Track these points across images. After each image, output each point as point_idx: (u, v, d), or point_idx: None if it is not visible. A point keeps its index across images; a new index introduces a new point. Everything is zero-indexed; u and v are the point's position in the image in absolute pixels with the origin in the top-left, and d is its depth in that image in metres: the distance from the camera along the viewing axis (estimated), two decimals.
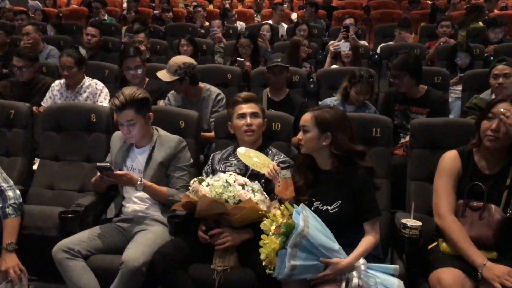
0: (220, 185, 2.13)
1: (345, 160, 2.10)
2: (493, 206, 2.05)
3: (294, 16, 7.60)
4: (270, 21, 6.81)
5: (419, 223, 2.10)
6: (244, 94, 2.55)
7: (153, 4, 8.81)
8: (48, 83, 3.91)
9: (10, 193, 2.45)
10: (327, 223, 2.02)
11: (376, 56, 5.00)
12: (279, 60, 3.53)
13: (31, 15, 7.60)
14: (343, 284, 1.94)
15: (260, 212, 2.08)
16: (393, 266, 2.02)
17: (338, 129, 2.10)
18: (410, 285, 2.12)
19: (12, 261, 2.29)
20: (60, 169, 2.88)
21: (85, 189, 2.78)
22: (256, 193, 2.17)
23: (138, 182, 2.36)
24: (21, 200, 2.47)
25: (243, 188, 2.16)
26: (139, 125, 2.44)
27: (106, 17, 7.58)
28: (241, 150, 2.37)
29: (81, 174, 2.83)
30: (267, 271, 1.96)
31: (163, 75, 3.36)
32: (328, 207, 2.09)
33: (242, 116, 2.46)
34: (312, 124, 2.12)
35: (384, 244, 2.39)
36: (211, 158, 2.57)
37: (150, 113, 2.51)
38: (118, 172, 2.35)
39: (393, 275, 1.99)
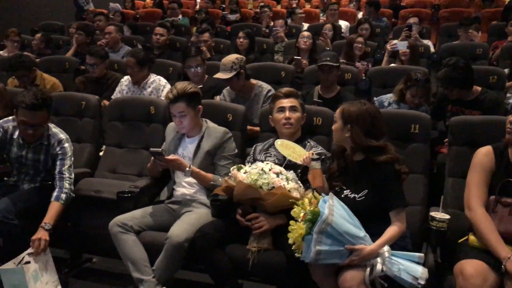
0: (256, 172, 2.31)
1: (369, 152, 2.20)
2: None
3: (360, 15, 7.61)
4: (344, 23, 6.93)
5: (447, 216, 2.16)
6: (284, 89, 2.71)
7: (223, 6, 9.15)
8: (118, 78, 4.29)
9: (67, 184, 2.77)
10: (354, 211, 2.13)
11: (436, 56, 4.94)
12: (328, 58, 3.64)
13: (110, 16, 8.21)
14: (368, 270, 2.04)
15: (290, 200, 2.24)
16: (417, 254, 2.08)
17: (356, 123, 2.20)
18: (439, 277, 2.18)
19: (43, 236, 2.56)
20: (122, 155, 3.20)
21: (142, 173, 3.07)
22: (290, 181, 2.33)
23: (187, 168, 2.60)
24: (73, 195, 2.79)
25: (278, 176, 2.32)
26: (189, 116, 2.68)
27: (180, 17, 8.03)
28: (278, 142, 2.54)
29: (140, 160, 3.14)
30: (296, 254, 2.11)
31: (220, 75, 3.59)
32: (356, 195, 2.21)
33: (282, 109, 2.62)
34: (339, 116, 2.26)
35: (418, 238, 2.45)
36: (253, 149, 2.75)
37: (200, 106, 2.73)
38: (169, 157, 2.60)
39: (418, 263, 2.07)
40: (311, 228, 2.04)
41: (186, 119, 2.68)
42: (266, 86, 3.64)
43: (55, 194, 2.73)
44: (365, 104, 2.31)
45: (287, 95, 2.65)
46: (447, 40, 5.92)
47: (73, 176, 2.82)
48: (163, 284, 2.43)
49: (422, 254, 2.08)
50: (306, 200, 2.14)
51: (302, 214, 2.11)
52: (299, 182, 2.39)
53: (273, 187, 2.27)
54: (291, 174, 2.38)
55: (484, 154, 2.22)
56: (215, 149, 2.70)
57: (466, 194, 2.21)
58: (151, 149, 2.61)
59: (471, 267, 1.96)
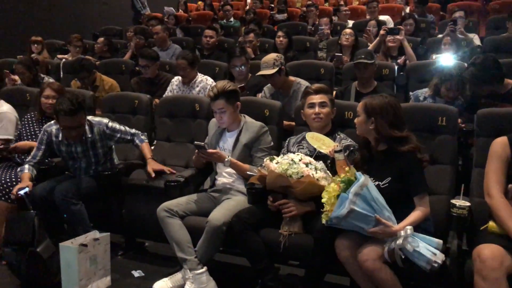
0: (286, 162, 2.52)
1: (392, 143, 2.36)
2: None
3: (407, 10, 7.60)
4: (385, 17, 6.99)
5: (467, 204, 2.28)
6: (315, 86, 2.90)
7: (272, 5, 9.37)
8: (169, 79, 4.63)
9: (139, 133, 3.30)
10: None
11: (479, 49, 4.92)
12: (362, 56, 3.78)
13: (165, 20, 8.65)
14: (388, 245, 2.21)
15: (319, 186, 2.43)
16: (436, 240, 2.22)
17: (379, 115, 2.36)
18: (460, 262, 2.30)
19: (157, 166, 3.18)
20: (170, 148, 3.51)
21: (189, 165, 3.36)
22: (318, 171, 2.52)
23: (226, 159, 2.85)
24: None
25: (307, 166, 2.52)
26: (228, 112, 2.92)
27: (232, 19, 8.33)
28: (309, 134, 2.73)
29: (187, 153, 3.42)
30: (323, 220, 2.28)
31: (264, 71, 3.80)
32: (380, 183, 2.37)
33: (312, 105, 2.81)
34: (362, 110, 2.43)
35: (444, 226, 2.57)
36: (287, 141, 2.96)
37: (238, 102, 2.97)
38: (210, 150, 2.86)
39: (436, 248, 2.20)
40: (346, 188, 2.21)
41: (225, 114, 2.93)
42: (304, 83, 3.83)
43: (137, 140, 3.31)
44: (386, 97, 2.46)
45: (317, 91, 2.84)
46: (495, 33, 5.84)
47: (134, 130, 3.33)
48: (204, 263, 2.69)
49: (440, 241, 2.22)
50: (342, 175, 2.32)
51: (335, 184, 2.29)
52: (328, 172, 2.57)
53: (302, 176, 2.48)
54: (320, 164, 2.57)
55: (499, 144, 2.32)
56: (252, 142, 2.93)
57: (485, 182, 2.32)
58: (195, 142, 2.87)
59: (488, 250, 2.06)
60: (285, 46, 5.42)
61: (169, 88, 4.54)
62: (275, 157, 2.65)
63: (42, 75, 4.96)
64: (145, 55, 4.63)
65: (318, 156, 2.71)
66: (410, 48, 4.84)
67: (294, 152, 2.73)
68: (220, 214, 2.64)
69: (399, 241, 2.16)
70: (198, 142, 2.88)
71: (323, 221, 2.29)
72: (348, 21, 7.16)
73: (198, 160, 3.04)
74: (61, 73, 5.78)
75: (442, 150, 2.75)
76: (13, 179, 3.32)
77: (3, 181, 3.30)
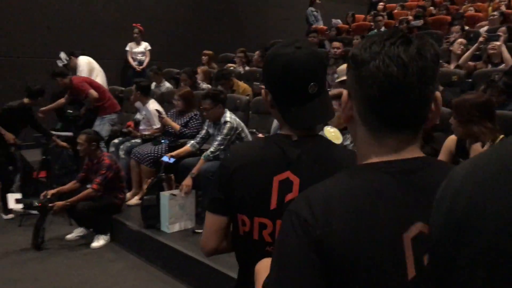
0: None
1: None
2: None
3: None
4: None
5: None
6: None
7: (434, 13, 9.51)
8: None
9: (212, 149, 4.12)
10: None
11: None
12: None
13: (326, 32, 9.69)
14: None
15: None
16: None
17: None
18: None
19: (188, 182, 4.04)
20: (253, 138, 4.60)
21: None
22: None
23: None
24: (211, 157, 4.10)
25: None
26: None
27: (383, 28, 8.91)
28: (327, 128, 3.51)
29: None
30: None
31: (339, 79, 4.59)
32: None
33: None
34: None
35: None
36: None
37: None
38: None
39: None
40: None
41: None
42: None
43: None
44: None
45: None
46: None
47: (219, 147, 4.08)
48: None
49: None
50: None
51: None
52: None
53: None
54: None
55: (449, 140, 2.79)
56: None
57: None
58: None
59: None
60: None
61: None
62: None
63: (199, 81, 6.54)
64: (260, 64, 5.83)
65: None
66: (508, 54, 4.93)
67: None
68: None
69: None
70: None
71: None
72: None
73: None
74: None
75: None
76: (155, 153, 4.81)
77: (149, 153, 4.83)
